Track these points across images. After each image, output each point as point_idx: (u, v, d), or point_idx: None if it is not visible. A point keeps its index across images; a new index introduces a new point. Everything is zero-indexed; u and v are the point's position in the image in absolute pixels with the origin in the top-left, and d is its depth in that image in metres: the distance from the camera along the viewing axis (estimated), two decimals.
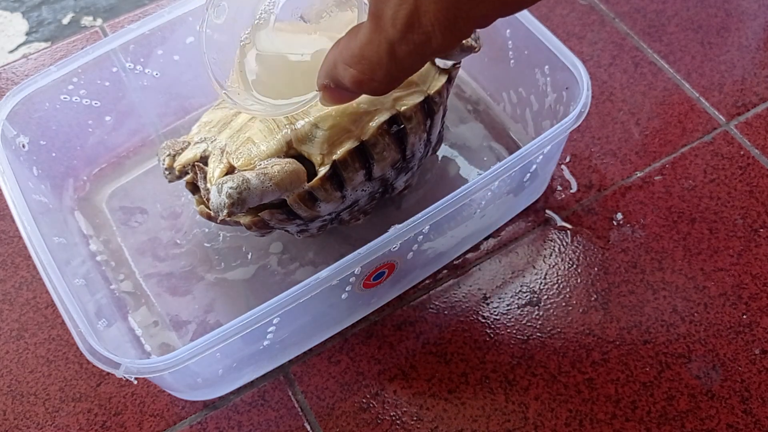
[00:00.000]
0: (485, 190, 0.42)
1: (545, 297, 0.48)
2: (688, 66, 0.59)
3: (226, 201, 0.37)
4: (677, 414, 0.43)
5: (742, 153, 0.54)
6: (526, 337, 0.46)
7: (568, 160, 0.54)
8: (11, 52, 0.63)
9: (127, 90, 0.51)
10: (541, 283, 0.49)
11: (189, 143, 0.45)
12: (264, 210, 0.41)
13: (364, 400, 0.44)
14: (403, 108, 0.41)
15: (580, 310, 0.47)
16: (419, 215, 0.39)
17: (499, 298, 0.48)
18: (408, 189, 0.49)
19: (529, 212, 0.52)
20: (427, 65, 0.44)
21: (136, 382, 0.46)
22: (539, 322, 0.47)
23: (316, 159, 0.40)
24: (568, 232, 0.51)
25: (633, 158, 0.54)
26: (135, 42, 0.48)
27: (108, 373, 0.46)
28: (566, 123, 0.42)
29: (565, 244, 0.50)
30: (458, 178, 0.52)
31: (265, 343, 0.41)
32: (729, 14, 0.62)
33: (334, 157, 0.39)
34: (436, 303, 0.48)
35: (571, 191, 0.52)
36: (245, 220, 0.42)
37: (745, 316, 0.47)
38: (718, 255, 0.49)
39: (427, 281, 0.49)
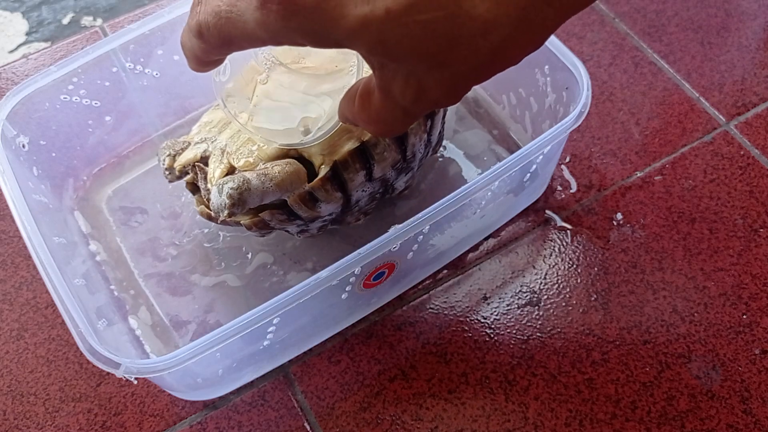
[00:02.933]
0: (485, 190, 0.42)
1: (545, 297, 0.48)
2: (688, 66, 0.59)
3: (227, 201, 0.37)
4: (677, 414, 0.43)
5: (742, 153, 0.54)
6: (526, 337, 0.46)
7: (568, 160, 0.54)
8: (11, 52, 0.63)
9: (127, 90, 0.51)
10: (541, 283, 0.49)
11: (189, 143, 0.45)
12: (264, 210, 0.41)
13: (364, 400, 0.44)
14: None
15: (580, 310, 0.47)
16: (419, 215, 0.39)
17: (499, 298, 0.48)
18: (408, 189, 0.49)
19: (529, 212, 0.52)
20: None
21: (136, 382, 0.46)
22: (539, 322, 0.47)
23: (317, 159, 0.40)
24: (568, 232, 0.51)
25: (633, 158, 0.54)
26: (135, 42, 0.48)
27: (108, 373, 0.46)
28: (566, 123, 0.42)
29: (565, 244, 0.50)
30: (458, 179, 0.52)
31: (265, 343, 0.41)
32: (729, 14, 0.62)
33: (335, 157, 0.39)
34: (436, 303, 0.48)
35: (571, 191, 0.52)
36: (246, 220, 0.42)
37: (745, 316, 0.47)
38: (718, 255, 0.49)
39: (427, 281, 0.49)
